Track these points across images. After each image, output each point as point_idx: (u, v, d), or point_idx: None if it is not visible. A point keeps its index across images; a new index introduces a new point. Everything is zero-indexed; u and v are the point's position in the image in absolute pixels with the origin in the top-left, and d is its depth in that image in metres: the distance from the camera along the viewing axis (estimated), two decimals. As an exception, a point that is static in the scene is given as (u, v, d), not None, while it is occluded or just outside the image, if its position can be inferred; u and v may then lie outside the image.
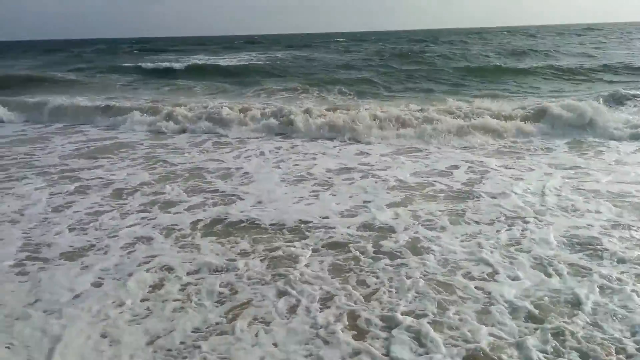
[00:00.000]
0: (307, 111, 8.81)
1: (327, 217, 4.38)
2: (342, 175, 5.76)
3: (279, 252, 3.69)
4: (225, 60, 24.83)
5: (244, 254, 3.69)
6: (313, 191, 5.19)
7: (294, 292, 3.12)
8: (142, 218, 4.50)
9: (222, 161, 6.62)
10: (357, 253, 3.66)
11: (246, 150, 7.23)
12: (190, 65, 20.54)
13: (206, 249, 3.79)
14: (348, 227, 4.15)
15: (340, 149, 7.21)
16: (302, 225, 4.22)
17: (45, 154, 7.17)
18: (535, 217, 4.24)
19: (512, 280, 3.21)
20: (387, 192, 5.07)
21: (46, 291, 3.16)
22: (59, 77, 17.53)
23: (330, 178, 5.64)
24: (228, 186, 5.41)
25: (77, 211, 4.70)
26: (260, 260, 3.58)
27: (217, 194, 5.17)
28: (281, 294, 3.10)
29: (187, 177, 5.84)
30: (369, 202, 4.78)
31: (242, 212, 4.58)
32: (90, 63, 25.31)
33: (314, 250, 3.73)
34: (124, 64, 22.02)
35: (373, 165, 6.19)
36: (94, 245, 3.87)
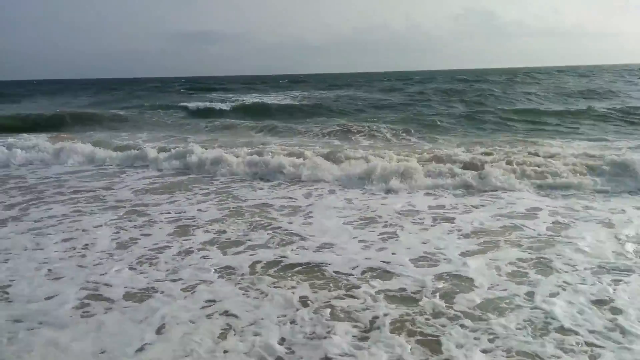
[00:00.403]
0: (384, 157, 8.27)
1: (396, 264, 4.09)
2: (410, 217, 5.48)
3: (341, 303, 3.44)
4: (271, 99, 25.42)
5: (304, 301, 3.47)
6: (381, 234, 4.93)
7: (355, 351, 2.85)
8: (203, 257, 4.38)
9: (292, 198, 6.46)
10: (429, 309, 3.33)
11: (316, 189, 6.98)
12: (240, 105, 21.13)
13: (266, 293, 3.61)
14: (420, 277, 3.83)
15: (409, 192, 6.71)
16: (369, 272, 3.96)
17: (119, 189, 7.25)
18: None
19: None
20: (463, 238, 4.74)
21: (111, 340, 3.02)
22: (121, 115, 18.28)
23: (399, 220, 5.38)
24: (293, 225, 5.24)
25: (143, 247, 4.64)
26: (321, 309, 3.34)
27: (281, 232, 5.02)
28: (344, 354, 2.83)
29: (254, 213, 5.76)
30: (443, 248, 4.46)
31: (304, 254, 4.39)
32: (146, 100, 26.44)
33: (380, 302, 3.44)
34: (180, 103, 22.67)
35: (445, 207, 5.88)
36: (154, 288, 3.73)
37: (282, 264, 4.18)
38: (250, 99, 26.54)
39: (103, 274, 3.97)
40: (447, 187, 6.75)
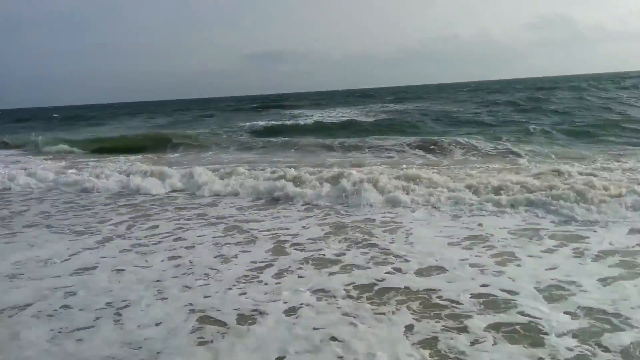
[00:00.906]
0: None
1: (517, 293, 3.69)
2: (527, 237, 5.02)
3: (449, 337, 3.10)
4: (350, 114, 25.33)
5: (409, 330, 3.20)
6: (494, 256, 4.53)
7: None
8: (300, 277, 4.26)
9: (395, 214, 6.24)
10: (561, 352, 2.85)
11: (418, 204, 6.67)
12: (315, 122, 21.11)
13: (365, 320, 3.39)
14: (547, 310, 3.38)
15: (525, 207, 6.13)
16: (482, 301, 3.59)
17: (223, 207, 7.32)
18: None
19: None
20: (596, 261, 4.24)
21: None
22: (202, 137, 18.60)
23: (514, 240, 4.94)
24: (395, 245, 4.98)
25: (244, 265, 4.60)
26: (427, 342, 3.05)
27: (380, 251, 4.80)
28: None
29: (355, 229, 5.61)
30: (573, 274, 3.98)
31: (405, 277, 4.14)
32: (222, 119, 27.42)
33: (498, 341, 3.03)
34: (256, 122, 23.14)
35: (567, 224, 5.37)
36: (258, 310, 3.62)
37: (379, 286, 3.96)
38: (323, 115, 26.74)
39: (208, 296, 3.91)
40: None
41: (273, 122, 22.64)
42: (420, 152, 12.07)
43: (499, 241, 4.95)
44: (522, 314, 3.35)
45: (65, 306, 3.81)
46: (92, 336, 3.30)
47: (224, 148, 15.32)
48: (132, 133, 20.42)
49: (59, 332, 3.38)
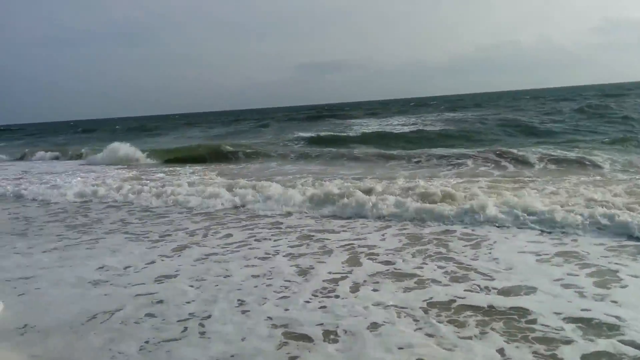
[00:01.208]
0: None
1: (621, 318, 3.36)
2: (630, 254, 4.63)
3: None
4: (391, 125, 24.94)
5: (501, 354, 2.98)
6: (591, 275, 4.19)
7: None
8: (375, 290, 4.14)
9: (476, 227, 5.98)
10: None
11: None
12: (373, 132, 20.82)
13: (450, 341, 3.20)
14: None
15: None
16: (580, 325, 3.29)
17: (298, 215, 7.28)
18: None
19: None
20: None
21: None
22: (260, 147, 18.74)
23: (616, 258, 4.55)
24: (478, 262, 4.73)
25: (320, 276, 4.52)
26: None
27: (460, 266, 4.59)
28: None
29: (432, 242, 5.44)
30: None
31: (487, 296, 3.89)
32: (278, 130, 27.76)
33: None
34: (313, 133, 23.09)
35: None
36: (340, 326, 3.50)
37: (459, 304, 3.76)
38: (381, 124, 26.52)
39: (288, 309, 3.85)
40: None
41: (330, 132, 22.64)
42: (493, 163, 11.52)
43: (597, 259, 4.59)
44: (632, 344, 3.04)
45: (150, 315, 3.86)
46: (180, 349, 3.29)
47: (286, 158, 15.23)
48: (198, 143, 20.84)
49: (147, 342, 3.41)
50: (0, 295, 4.36)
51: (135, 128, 44.25)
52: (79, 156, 20.99)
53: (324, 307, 3.85)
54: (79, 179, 12.37)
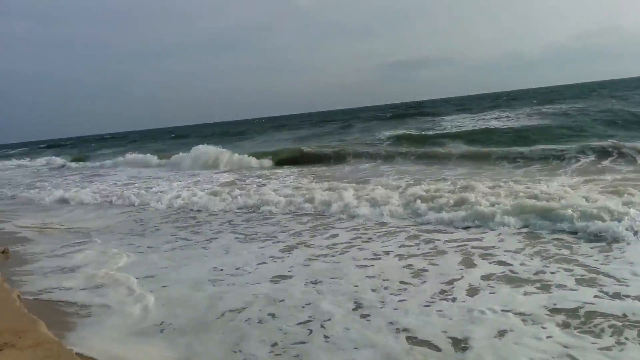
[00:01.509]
0: None
1: None
2: None
3: None
4: (485, 121, 23.67)
5: None
6: None
7: None
8: (492, 294, 3.93)
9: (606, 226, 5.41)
10: None
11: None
12: (469, 130, 19.66)
13: (590, 355, 2.92)
14: None
15: None
16: None
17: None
18: None
19: None
20: None
21: None
22: (349, 147, 18.43)
23: None
24: (605, 263, 4.35)
25: (435, 279, 4.38)
26: None
27: (585, 270, 4.25)
28: None
29: (553, 244, 5.11)
30: None
31: (623, 302, 3.55)
32: (369, 130, 27.56)
33: None
34: (391, 131, 22.54)
35: None
36: (465, 333, 3.33)
37: (586, 310, 3.47)
38: (473, 120, 25.45)
39: (408, 314, 3.72)
40: None
41: (420, 130, 22.00)
42: (612, 158, 10.37)
43: None
44: None
45: (272, 315, 3.91)
46: (310, 355, 3.28)
47: (379, 159, 14.75)
48: (285, 146, 21.12)
49: (275, 344, 3.44)
50: (131, 292, 4.70)
51: (225, 133, 45.72)
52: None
53: (444, 311, 3.71)
54: (177, 183, 13.11)
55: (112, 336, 3.77)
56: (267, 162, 17.27)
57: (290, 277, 4.81)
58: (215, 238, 6.73)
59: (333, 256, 5.38)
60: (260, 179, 12.56)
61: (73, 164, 26.66)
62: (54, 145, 61.66)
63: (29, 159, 36.18)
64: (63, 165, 26.91)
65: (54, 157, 31.85)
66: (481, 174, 10.11)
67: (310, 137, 27.65)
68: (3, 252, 6.53)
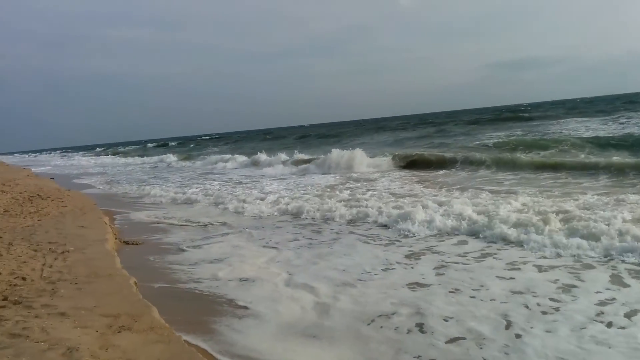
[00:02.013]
0: None
1: None
2: None
3: None
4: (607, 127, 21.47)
5: None
6: None
7: None
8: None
9: None
10: None
11: None
12: (589, 137, 17.91)
13: None
14: None
15: None
16: None
17: None
18: None
19: None
20: None
21: None
22: (454, 151, 17.79)
23: None
24: None
25: (585, 296, 4.02)
26: None
27: None
28: None
29: None
30: None
31: None
32: (465, 132, 26.50)
33: None
34: (496, 135, 21.46)
35: None
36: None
37: None
38: (590, 126, 23.48)
39: (564, 339, 3.42)
40: None
41: (533, 136, 20.61)
42: None
43: None
44: None
45: (419, 326, 3.78)
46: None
47: (493, 165, 13.52)
48: (387, 150, 20.54)
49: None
50: (279, 288, 4.85)
51: (324, 135, 45.81)
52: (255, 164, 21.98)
53: (603, 337, 3.39)
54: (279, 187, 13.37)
55: (271, 335, 3.83)
56: (386, 162, 16.41)
57: (428, 285, 4.67)
58: (338, 239, 6.79)
59: (466, 264, 5.18)
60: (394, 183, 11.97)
61: (188, 163, 28.42)
62: (164, 145, 66.01)
63: (144, 157, 39.26)
64: (169, 164, 28.62)
65: (169, 155, 33.97)
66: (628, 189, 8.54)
67: (411, 140, 27.18)
68: (126, 242, 7.12)
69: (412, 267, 5.26)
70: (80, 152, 75.57)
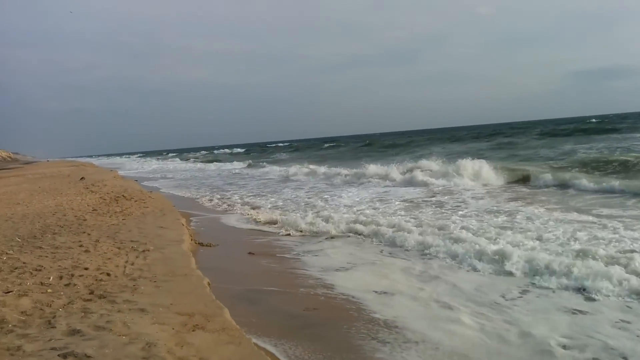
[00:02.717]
0: None
1: None
2: None
3: None
4: None
5: None
6: None
7: None
8: None
9: None
10: None
11: None
12: None
13: None
14: None
15: None
16: None
17: None
18: None
19: None
20: None
21: None
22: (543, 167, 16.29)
23: None
24: None
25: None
26: None
27: None
28: None
29: None
30: None
31: None
32: (543, 144, 25.05)
33: None
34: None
35: None
36: None
37: None
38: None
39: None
40: None
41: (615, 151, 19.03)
42: None
43: None
44: None
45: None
46: None
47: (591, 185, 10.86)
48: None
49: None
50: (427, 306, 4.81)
51: (392, 145, 44.05)
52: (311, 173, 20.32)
53: None
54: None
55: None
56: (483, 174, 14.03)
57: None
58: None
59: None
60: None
61: (261, 170, 28.37)
62: (233, 151, 67.02)
63: (218, 162, 40.51)
64: (235, 172, 28.69)
65: (236, 162, 34.34)
66: None
67: (489, 150, 26.16)
68: (200, 243, 7.33)
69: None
70: (167, 156, 76.72)
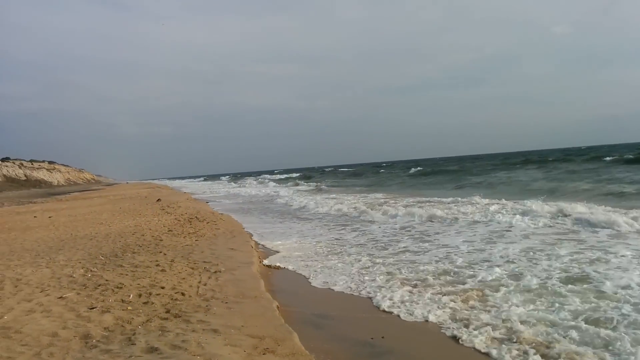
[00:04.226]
0: None
1: None
2: None
3: None
4: None
5: None
6: None
7: None
8: None
9: None
10: None
11: None
12: None
13: None
14: None
15: None
16: None
17: None
18: None
19: None
20: None
21: None
22: None
23: None
24: None
25: None
26: None
27: None
28: None
29: None
30: None
31: None
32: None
33: None
34: None
35: None
36: None
37: None
38: None
39: None
40: None
41: None
42: None
43: None
44: None
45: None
46: None
47: None
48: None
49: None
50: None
51: (456, 170, 42.66)
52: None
53: None
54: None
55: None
56: None
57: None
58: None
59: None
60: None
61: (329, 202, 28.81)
62: (306, 177, 62.01)
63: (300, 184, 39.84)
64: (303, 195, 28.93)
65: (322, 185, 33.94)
66: None
67: (568, 179, 24.43)
68: (268, 266, 7.38)
69: None
70: (224, 178, 78.70)
